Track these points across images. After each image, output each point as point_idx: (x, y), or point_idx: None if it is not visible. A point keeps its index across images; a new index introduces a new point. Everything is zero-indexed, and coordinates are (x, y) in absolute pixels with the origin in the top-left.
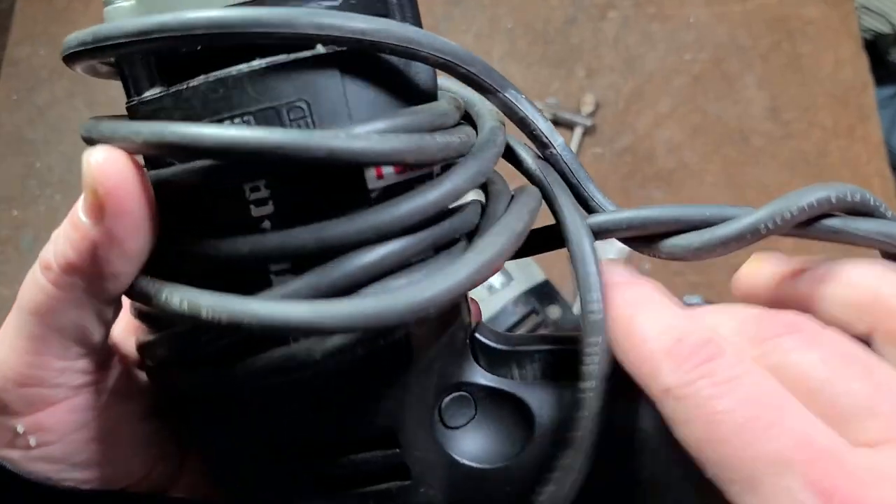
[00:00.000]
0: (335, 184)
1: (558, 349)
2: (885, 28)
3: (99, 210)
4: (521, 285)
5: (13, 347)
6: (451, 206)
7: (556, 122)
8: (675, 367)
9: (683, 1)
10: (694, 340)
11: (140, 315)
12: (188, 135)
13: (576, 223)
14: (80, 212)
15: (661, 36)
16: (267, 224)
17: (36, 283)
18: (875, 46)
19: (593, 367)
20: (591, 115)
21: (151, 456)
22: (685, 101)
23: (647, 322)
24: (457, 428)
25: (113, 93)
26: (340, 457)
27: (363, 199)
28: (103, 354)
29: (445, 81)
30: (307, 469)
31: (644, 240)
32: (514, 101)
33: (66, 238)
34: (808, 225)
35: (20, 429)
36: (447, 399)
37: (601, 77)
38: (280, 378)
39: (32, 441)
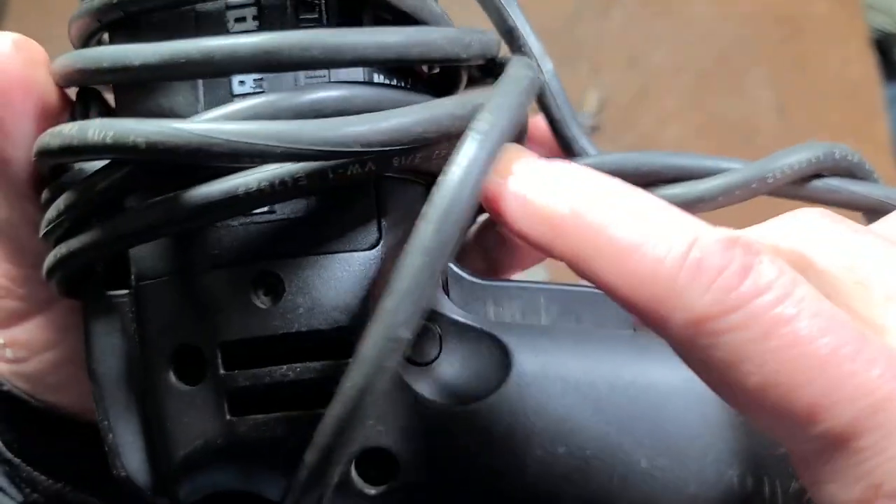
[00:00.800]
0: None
1: (547, 289)
2: (892, 27)
3: None
4: None
5: None
6: None
7: None
8: (706, 284)
9: None
10: (716, 241)
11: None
12: None
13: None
14: None
15: (666, 33)
16: None
17: None
18: (882, 45)
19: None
20: (595, 113)
21: None
22: (691, 98)
23: (632, 225)
24: (418, 364)
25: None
26: (276, 363)
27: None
28: None
29: None
30: (231, 379)
31: None
32: (503, 5)
33: None
34: (803, 184)
35: (0, 339)
36: None
37: (605, 74)
38: (213, 217)
39: (10, 353)
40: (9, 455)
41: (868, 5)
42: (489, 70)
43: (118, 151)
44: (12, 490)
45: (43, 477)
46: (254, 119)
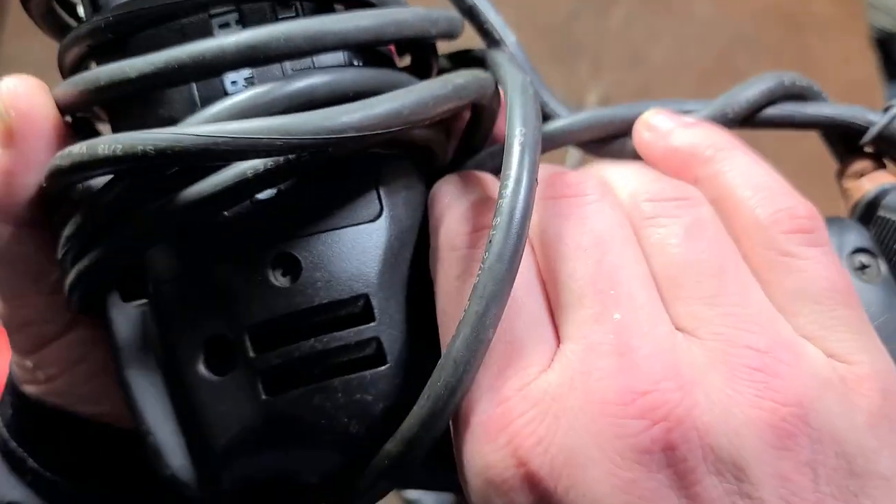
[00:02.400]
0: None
1: None
2: (893, 26)
3: (10, 135)
4: None
5: (2, 296)
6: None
7: None
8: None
9: None
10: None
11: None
12: None
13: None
14: None
15: (668, 31)
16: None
17: None
18: (884, 44)
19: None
20: None
21: None
22: (692, 97)
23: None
24: None
25: None
26: (302, 338)
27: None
28: None
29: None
30: (262, 361)
31: (602, 142)
32: None
33: None
34: (759, 111)
35: (29, 364)
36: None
37: (606, 73)
38: (218, 206)
39: (41, 375)
40: (48, 475)
41: (869, 4)
42: (462, 62)
43: (129, 161)
44: None
45: (89, 491)
46: (251, 110)
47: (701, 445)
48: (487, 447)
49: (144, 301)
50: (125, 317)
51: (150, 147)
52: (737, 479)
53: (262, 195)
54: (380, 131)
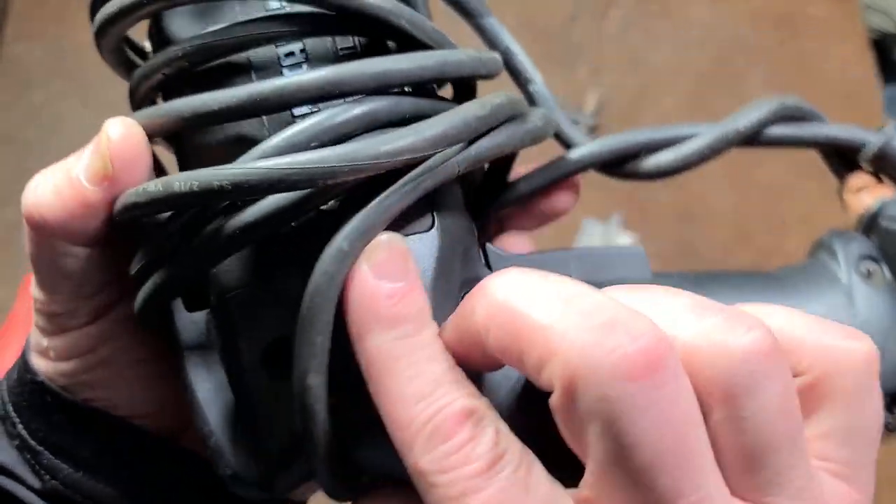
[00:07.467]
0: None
1: (577, 255)
2: (890, 27)
3: (104, 178)
4: None
5: (36, 284)
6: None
7: None
8: (428, 447)
9: None
10: (452, 413)
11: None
12: None
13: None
14: (81, 174)
15: (666, 34)
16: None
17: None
18: (880, 45)
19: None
20: (595, 114)
21: (155, 396)
22: (690, 99)
23: (407, 381)
24: None
25: (109, 94)
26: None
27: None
28: (112, 291)
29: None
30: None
31: (619, 165)
32: (495, 30)
33: (55, 193)
34: (763, 129)
35: (45, 343)
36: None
37: (604, 76)
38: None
39: (52, 354)
40: (32, 443)
41: (866, 6)
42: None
43: (206, 197)
44: (31, 478)
45: (65, 465)
46: (321, 134)
47: None
48: None
49: (207, 311)
50: (189, 325)
51: (227, 182)
52: None
53: (325, 206)
54: (433, 151)
